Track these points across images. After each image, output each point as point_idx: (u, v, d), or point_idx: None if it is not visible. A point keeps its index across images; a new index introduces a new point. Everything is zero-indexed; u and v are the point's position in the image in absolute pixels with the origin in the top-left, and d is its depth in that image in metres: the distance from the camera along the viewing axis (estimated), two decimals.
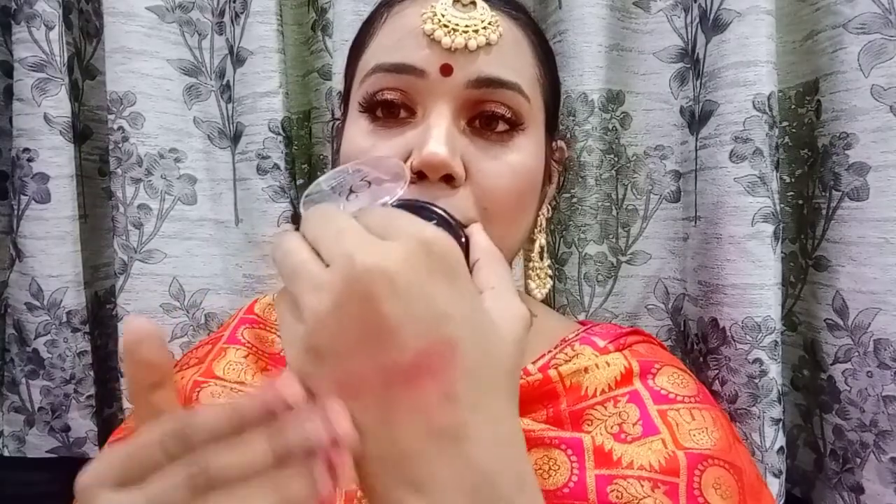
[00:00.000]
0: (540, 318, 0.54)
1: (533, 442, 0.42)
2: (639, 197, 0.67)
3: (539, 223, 0.51)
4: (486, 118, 0.44)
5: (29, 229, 0.66)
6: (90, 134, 0.73)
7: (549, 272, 0.52)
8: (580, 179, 0.65)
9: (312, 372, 0.26)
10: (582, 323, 0.57)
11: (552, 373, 0.46)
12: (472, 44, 0.42)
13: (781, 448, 0.57)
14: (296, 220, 0.69)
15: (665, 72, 0.66)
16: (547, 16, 0.68)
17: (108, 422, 0.72)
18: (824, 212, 0.58)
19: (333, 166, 0.69)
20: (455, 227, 0.34)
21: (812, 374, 0.61)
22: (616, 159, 0.67)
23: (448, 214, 0.35)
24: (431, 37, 0.42)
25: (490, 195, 0.43)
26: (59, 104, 0.65)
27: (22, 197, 0.66)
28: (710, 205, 0.60)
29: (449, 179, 0.42)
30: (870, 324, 0.54)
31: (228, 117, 0.70)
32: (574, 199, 0.66)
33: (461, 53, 0.42)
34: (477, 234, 0.35)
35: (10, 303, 0.69)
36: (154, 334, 0.26)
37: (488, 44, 0.43)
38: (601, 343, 0.49)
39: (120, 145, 0.67)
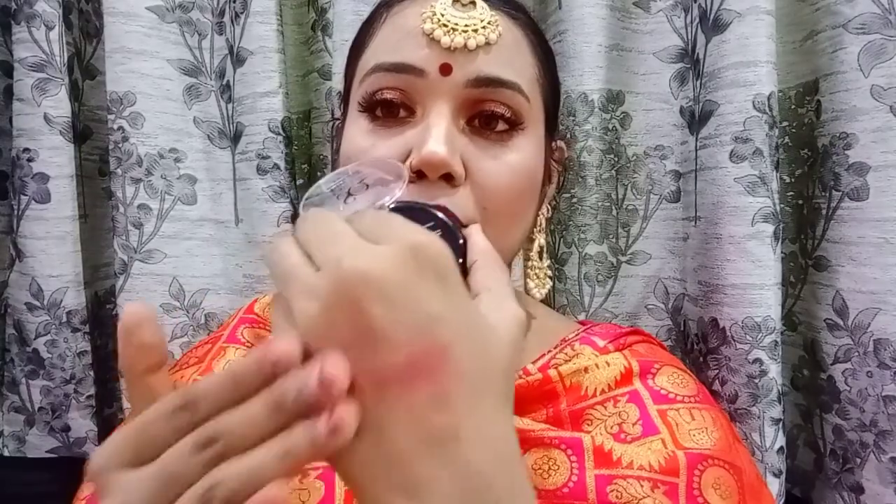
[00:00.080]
0: (540, 318, 0.54)
1: (533, 442, 0.42)
2: (639, 197, 0.67)
3: (539, 223, 0.51)
4: (485, 117, 0.44)
5: (29, 229, 0.66)
6: (90, 134, 0.73)
7: (549, 272, 0.52)
8: (580, 179, 0.65)
9: None
10: (582, 323, 0.57)
11: (552, 372, 0.46)
12: (472, 43, 0.42)
13: (781, 448, 0.57)
14: (296, 220, 0.68)
15: (665, 72, 0.66)
16: (547, 16, 0.68)
17: (108, 422, 0.72)
18: (824, 212, 0.58)
19: (333, 166, 0.69)
20: (453, 229, 0.34)
21: (812, 373, 0.60)
22: (616, 159, 0.67)
23: (447, 216, 0.34)
24: (431, 36, 0.42)
25: (489, 194, 0.43)
26: (59, 104, 0.65)
27: (22, 197, 0.66)
28: (710, 205, 0.60)
29: (449, 178, 0.42)
30: (870, 324, 0.54)
31: (228, 117, 0.70)
32: (574, 199, 0.66)
33: (460, 53, 0.42)
34: (475, 235, 0.35)
35: (10, 303, 0.69)
36: (151, 318, 0.27)
37: (487, 43, 0.43)
38: (601, 343, 0.49)
39: (120, 145, 0.67)
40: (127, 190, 0.67)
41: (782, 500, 0.58)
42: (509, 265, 0.51)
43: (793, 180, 0.63)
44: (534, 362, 0.47)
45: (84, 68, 0.73)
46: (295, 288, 0.26)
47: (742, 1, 0.56)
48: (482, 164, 0.43)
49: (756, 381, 0.57)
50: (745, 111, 0.57)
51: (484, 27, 0.43)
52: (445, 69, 0.42)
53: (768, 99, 0.56)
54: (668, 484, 0.40)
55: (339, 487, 0.41)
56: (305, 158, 0.72)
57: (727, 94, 0.58)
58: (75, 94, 0.70)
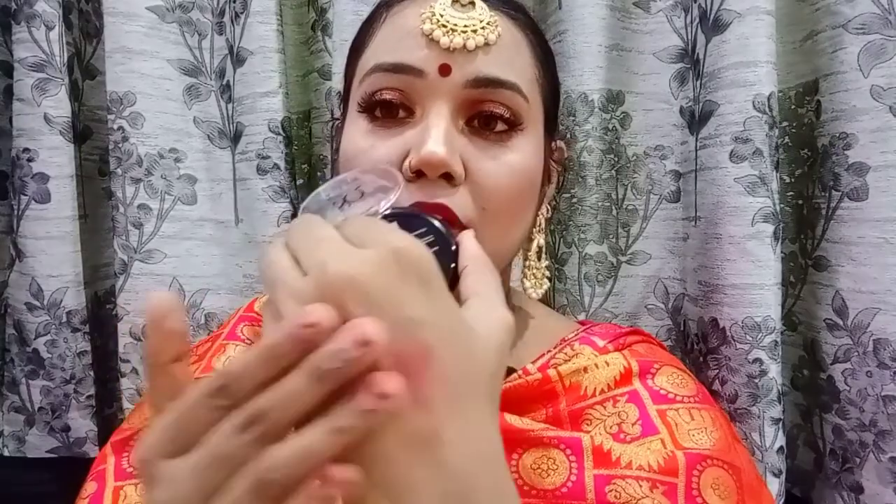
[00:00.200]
0: (539, 319, 0.54)
1: (531, 441, 0.42)
2: (639, 197, 0.67)
3: (538, 223, 0.51)
4: (484, 118, 0.44)
5: (29, 229, 0.66)
6: (90, 134, 0.74)
7: (547, 273, 0.52)
8: (580, 179, 0.65)
9: None
10: (582, 323, 0.57)
11: (551, 372, 0.46)
12: (471, 44, 0.42)
13: (781, 448, 0.57)
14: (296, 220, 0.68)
15: (665, 72, 0.66)
16: (547, 16, 0.68)
17: (108, 422, 0.72)
18: (824, 212, 0.58)
19: (333, 166, 0.69)
20: (446, 235, 0.34)
21: (812, 373, 0.60)
22: (616, 159, 0.67)
23: (440, 222, 0.35)
24: (430, 37, 0.42)
25: (488, 195, 0.43)
26: (59, 104, 0.65)
27: (22, 197, 0.66)
28: (710, 205, 0.60)
29: (448, 178, 0.42)
30: (869, 324, 0.54)
31: (228, 117, 0.70)
32: (574, 199, 0.66)
33: (460, 53, 0.42)
34: (467, 241, 0.35)
35: (10, 303, 0.69)
36: (178, 307, 0.27)
37: (487, 44, 0.43)
38: (601, 343, 0.49)
39: (120, 145, 0.67)
40: (127, 190, 0.67)
41: (782, 500, 0.58)
42: (509, 265, 0.51)
43: (793, 180, 0.63)
44: (533, 362, 0.47)
45: (84, 68, 0.73)
46: (282, 292, 0.26)
47: (742, 1, 0.56)
48: (481, 165, 0.43)
49: (756, 380, 0.57)
50: (745, 111, 0.57)
51: (483, 28, 0.43)
52: (444, 70, 0.42)
53: (768, 99, 0.56)
54: (667, 484, 0.40)
55: None
56: (305, 158, 0.72)
57: (727, 94, 0.58)
58: (75, 94, 0.70)
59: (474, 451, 0.26)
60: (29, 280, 0.66)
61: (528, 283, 0.51)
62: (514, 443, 0.42)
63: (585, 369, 0.46)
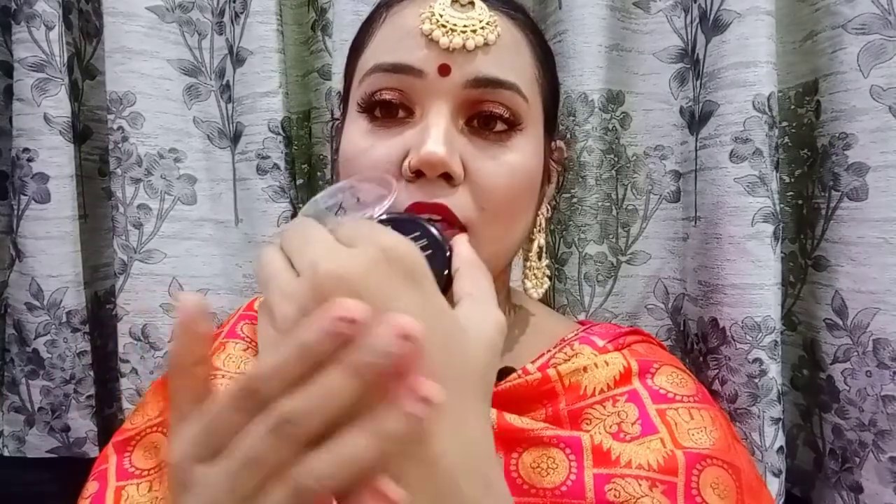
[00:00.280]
0: (539, 318, 0.54)
1: (531, 440, 0.42)
2: (639, 197, 0.67)
3: (538, 223, 0.51)
4: (484, 118, 0.44)
5: (29, 229, 0.66)
6: (90, 134, 0.74)
7: (547, 272, 0.52)
8: (580, 179, 0.65)
9: None
10: (581, 323, 0.57)
11: (551, 372, 0.46)
12: (470, 44, 0.42)
13: (781, 447, 0.57)
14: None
15: (665, 72, 0.66)
16: (547, 16, 0.68)
17: (107, 422, 0.72)
18: (824, 212, 0.58)
19: (333, 166, 0.69)
20: (440, 240, 0.34)
21: (811, 373, 0.61)
22: (616, 159, 0.67)
23: (434, 227, 0.35)
24: (429, 37, 0.42)
25: (488, 195, 0.43)
26: (58, 104, 0.65)
27: (22, 197, 0.66)
28: (710, 205, 0.60)
29: (448, 178, 0.42)
30: (869, 323, 0.54)
31: (228, 117, 0.70)
32: (574, 199, 0.66)
33: (459, 53, 0.42)
34: (459, 244, 0.35)
35: (10, 303, 0.69)
36: (207, 310, 0.26)
37: (486, 44, 0.43)
38: (600, 342, 0.49)
39: (120, 145, 0.67)
40: (127, 190, 0.67)
41: (782, 500, 0.58)
42: (509, 265, 0.51)
43: (792, 180, 0.63)
44: (533, 362, 0.47)
45: (84, 68, 0.73)
46: (276, 292, 0.27)
47: (742, 1, 0.56)
48: (481, 164, 0.43)
49: (756, 380, 0.57)
50: (744, 111, 0.57)
51: (483, 28, 0.43)
52: (444, 70, 0.42)
53: (768, 99, 0.56)
54: (667, 483, 0.40)
55: None
56: (305, 158, 0.72)
57: (727, 95, 0.58)
58: (75, 94, 0.70)
59: (465, 449, 0.27)
60: (29, 280, 0.66)
61: (528, 283, 0.51)
62: (514, 442, 0.42)
63: (585, 369, 0.46)
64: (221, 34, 0.70)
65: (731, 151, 0.58)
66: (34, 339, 0.67)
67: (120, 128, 0.67)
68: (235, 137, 0.70)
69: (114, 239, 0.67)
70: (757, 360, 0.57)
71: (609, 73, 0.65)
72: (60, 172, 0.66)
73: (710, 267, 0.60)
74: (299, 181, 0.72)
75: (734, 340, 0.58)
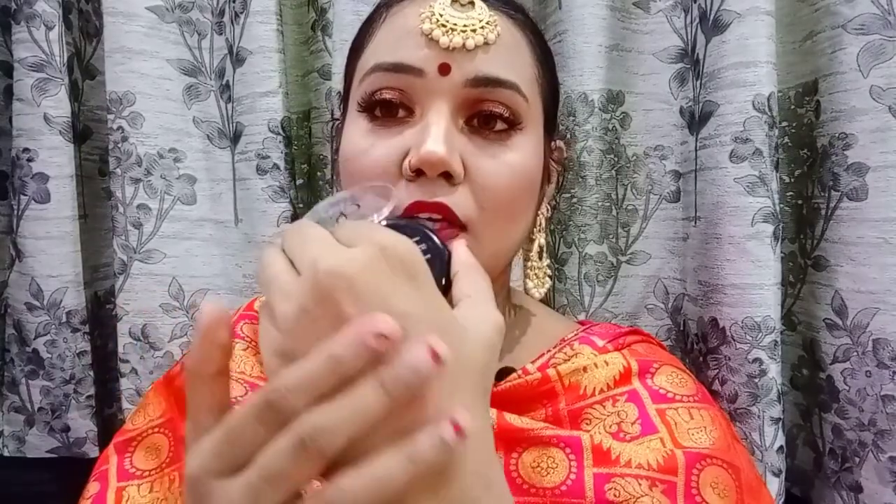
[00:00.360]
0: (539, 318, 0.54)
1: (531, 440, 0.42)
2: (639, 197, 0.67)
3: (538, 223, 0.51)
4: (484, 117, 0.44)
5: (29, 229, 0.66)
6: (90, 134, 0.74)
7: (548, 272, 0.52)
8: (580, 179, 0.65)
9: None
10: (581, 323, 0.57)
11: (551, 372, 0.46)
12: (470, 43, 0.42)
13: (781, 447, 0.57)
14: (295, 220, 0.69)
15: (665, 72, 0.66)
16: (547, 16, 0.68)
17: (107, 422, 0.72)
18: (823, 212, 0.58)
19: (333, 166, 0.69)
20: (439, 244, 0.34)
21: (811, 373, 0.61)
22: (616, 159, 0.67)
23: (433, 231, 0.35)
24: (429, 36, 0.42)
25: (488, 194, 0.43)
26: (58, 104, 0.65)
27: (22, 197, 0.66)
28: (710, 205, 0.60)
29: (448, 177, 0.42)
30: (868, 323, 0.54)
31: (228, 117, 0.70)
32: (574, 199, 0.66)
33: (459, 53, 0.42)
34: (458, 248, 0.35)
35: (10, 303, 0.69)
36: (230, 319, 0.27)
37: (486, 43, 0.43)
38: (600, 342, 0.49)
39: (119, 145, 0.67)
40: (126, 190, 0.67)
41: (782, 499, 0.58)
42: (509, 265, 0.51)
43: (792, 180, 0.63)
44: (533, 362, 0.48)
45: (84, 68, 0.73)
46: (276, 292, 0.27)
47: (742, 1, 0.56)
48: (481, 164, 0.43)
49: (756, 380, 0.57)
50: (744, 111, 0.57)
51: (482, 27, 0.43)
52: (444, 69, 0.42)
53: (768, 99, 0.56)
54: (667, 483, 0.40)
55: None
56: (305, 158, 0.72)
57: (727, 95, 0.58)
58: (75, 94, 0.70)
59: (465, 449, 0.26)
60: (29, 280, 0.66)
61: (530, 283, 0.51)
62: (514, 442, 0.42)
63: (585, 369, 0.46)
64: (221, 34, 0.70)
65: (731, 151, 0.58)
66: (34, 339, 0.67)
67: (120, 128, 0.67)
68: (235, 137, 0.70)
69: (114, 239, 0.67)
70: (757, 359, 0.57)
71: (609, 73, 0.65)
72: (60, 172, 0.66)
73: (710, 267, 0.60)
74: (299, 181, 0.72)
75: (734, 340, 0.58)
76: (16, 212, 0.66)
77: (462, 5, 0.43)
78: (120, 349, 0.68)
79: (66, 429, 0.69)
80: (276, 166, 0.68)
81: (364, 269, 0.26)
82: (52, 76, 0.65)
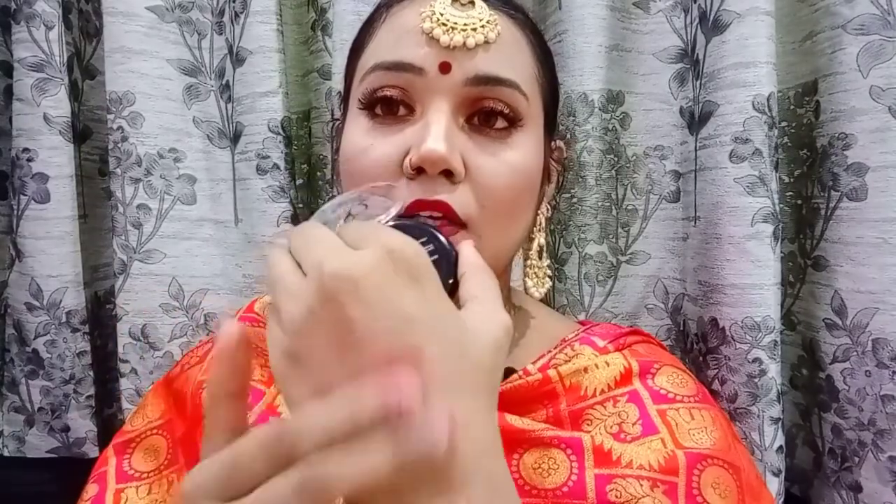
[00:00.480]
0: (540, 319, 0.54)
1: (532, 441, 0.42)
2: (638, 197, 0.68)
3: (538, 222, 0.51)
4: (484, 115, 0.44)
5: (29, 229, 0.66)
6: (90, 134, 0.73)
7: (548, 272, 0.52)
8: (580, 179, 0.65)
9: (290, 377, 0.26)
10: (582, 323, 0.57)
11: (552, 373, 0.46)
12: (471, 42, 0.42)
13: (780, 447, 0.58)
14: (295, 220, 0.69)
15: (665, 72, 0.66)
16: (547, 16, 0.68)
17: (107, 422, 0.72)
18: (823, 212, 0.58)
19: (333, 166, 0.69)
20: (446, 244, 0.34)
21: (811, 373, 0.61)
22: (616, 159, 0.67)
23: (439, 231, 0.35)
24: (430, 35, 0.43)
25: (489, 192, 0.43)
26: (58, 104, 0.65)
27: (22, 197, 0.66)
28: (710, 205, 0.60)
29: (448, 175, 0.42)
30: (868, 323, 0.55)
31: (228, 117, 0.70)
32: (574, 199, 0.66)
33: (460, 51, 0.42)
34: (465, 248, 0.35)
35: (9, 303, 0.69)
36: (249, 342, 0.27)
37: (486, 42, 0.43)
38: (601, 343, 0.49)
39: (119, 145, 0.67)
40: (126, 190, 0.67)
41: (781, 499, 0.58)
42: (509, 265, 0.51)
43: (792, 180, 0.63)
44: (534, 362, 0.48)
45: (84, 68, 0.73)
46: (283, 293, 0.27)
47: (742, 1, 0.57)
48: (481, 162, 0.43)
49: (755, 380, 0.57)
50: (744, 111, 0.57)
51: (483, 26, 0.43)
52: (445, 67, 0.42)
53: (768, 99, 0.56)
54: (668, 483, 0.40)
55: None
56: (305, 158, 0.72)
57: (727, 95, 0.58)
58: (75, 93, 0.70)
59: (470, 446, 0.27)
60: (28, 280, 0.66)
61: (529, 283, 0.52)
62: (515, 443, 0.42)
63: (586, 369, 0.46)
64: (221, 34, 0.70)
65: (731, 151, 0.58)
66: (34, 339, 0.67)
67: (120, 128, 0.67)
68: (235, 137, 0.70)
69: (113, 239, 0.67)
70: (756, 359, 0.57)
71: (609, 73, 0.65)
72: (60, 172, 0.66)
73: (710, 267, 0.60)
74: (299, 181, 0.72)
75: (734, 340, 0.58)
76: (16, 212, 0.66)
77: (462, 5, 0.43)
78: (120, 349, 0.68)
79: (66, 429, 0.69)
80: (276, 166, 0.68)
81: (371, 271, 0.26)
82: (51, 76, 0.65)
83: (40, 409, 0.68)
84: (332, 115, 0.68)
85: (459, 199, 0.42)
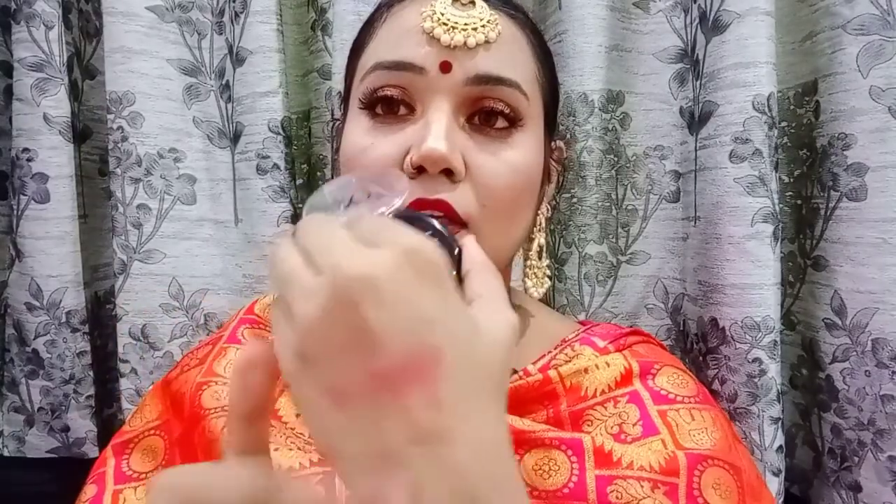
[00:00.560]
0: (540, 319, 0.54)
1: (533, 442, 0.42)
2: (638, 197, 0.68)
3: (538, 222, 0.51)
4: (485, 114, 0.44)
5: (28, 229, 0.66)
6: (90, 134, 0.73)
7: (548, 272, 0.52)
8: (580, 179, 0.65)
9: (302, 377, 0.26)
10: (582, 323, 0.57)
11: (552, 373, 0.46)
12: (471, 41, 0.42)
13: (780, 447, 0.58)
14: (295, 220, 0.69)
15: (665, 72, 0.66)
16: (547, 16, 0.68)
17: (107, 422, 0.72)
18: (823, 212, 0.58)
19: (333, 166, 0.69)
20: (449, 239, 0.34)
21: (810, 373, 0.61)
22: (616, 159, 0.67)
23: (443, 225, 0.35)
24: (431, 34, 0.43)
25: (489, 191, 0.43)
26: (58, 104, 0.65)
27: (21, 197, 0.66)
28: (710, 205, 0.60)
29: (449, 174, 0.42)
30: (868, 323, 0.55)
31: (228, 117, 0.70)
32: (574, 199, 0.66)
33: (460, 51, 0.43)
34: (470, 245, 0.35)
35: (9, 303, 0.69)
36: (268, 361, 0.27)
37: (487, 41, 0.43)
38: (601, 343, 0.49)
39: (119, 145, 0.67)
40: (126, 190, 0.67)
41: (781, 499, 0.58)
42: (510, 264, 0.51)
43: (791, 180, 0.63)
44: (534, 363, 0.48)
45: (84, 68, 0.73)
46: (295, 291, 0.26)
47: (742, 2, 0.57)
48: (482, 161, 0.43)
49: (755, 380, 0.57)
50: (744, 112, 0.57)
51: (483, 25, 0.43)
52: (445, 67, 0.42)
53: (767, 99, 0.56)
54: (669, 484, 0.40)
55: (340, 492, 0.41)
56: (305, 158, 0.72)
57: (727, 95, 0.58)
58: (75, 93, 0.70)
59: (483, 450, 0.26)
60: (28, 280, 0.66)
61: (529, 283, 0.52)
62: (516, 444, 0.42)
63: (586, 370, 0.46)
64: (221, 34, 0.70)
65: (731, 151, 0.58)
66: (34, 339, 0.67)
67: (120, 127, 0.67)
68: (235, 137, 0.70)
69: (113, 239, 0.67)
70: (756, 359, 0.57)
71: (609, 73, 0.65)
72: (60, 172, 0.66)
73: (710, 267, 0.60)
74: (299, 181, 0.72)
75: (734, 340, 0.58)
76: (15, 212, 0.66)
77: (463, 4, 0.43)
78: (120, 349, 0.68)
79: (66, 429, 0.69)
80: (276, 166, 0.68)
81: (390, 273, 0.25)
82: (51, 76, 0.65)
83: (40, 409, 0.68)
84: (332, 115, 0.68)
85: (460, 198, 0.42)
